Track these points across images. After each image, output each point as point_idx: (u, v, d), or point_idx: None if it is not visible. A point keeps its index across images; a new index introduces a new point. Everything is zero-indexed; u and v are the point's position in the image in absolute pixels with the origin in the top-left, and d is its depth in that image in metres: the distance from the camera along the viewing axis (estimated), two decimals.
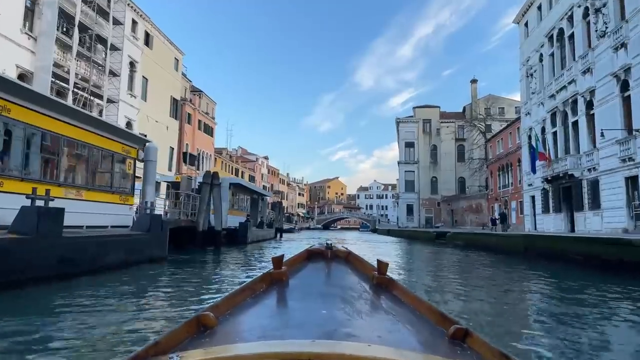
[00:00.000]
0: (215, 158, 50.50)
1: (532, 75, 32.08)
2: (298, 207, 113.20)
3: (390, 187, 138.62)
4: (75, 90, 24.19)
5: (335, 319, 1.42)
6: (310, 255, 2.08)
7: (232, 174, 62.11)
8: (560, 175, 25.55)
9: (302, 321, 1.42)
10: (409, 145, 60.14)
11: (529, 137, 32.33)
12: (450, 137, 59.21)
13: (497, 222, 27.17)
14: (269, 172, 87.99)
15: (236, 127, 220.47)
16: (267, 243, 26.69)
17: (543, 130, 29.62)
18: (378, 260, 1.90)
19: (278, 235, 35.33)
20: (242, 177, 65.50)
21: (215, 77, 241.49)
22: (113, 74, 27.96)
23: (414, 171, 59.64)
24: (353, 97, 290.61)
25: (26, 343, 4.60)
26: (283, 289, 1.77)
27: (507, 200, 37.64)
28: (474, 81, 59.83)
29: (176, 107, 38.24)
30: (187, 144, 41.59)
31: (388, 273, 1.89)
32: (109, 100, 27.39)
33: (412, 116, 61.44)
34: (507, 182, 38.14)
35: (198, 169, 40.07)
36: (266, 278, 1.84)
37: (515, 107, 58.74)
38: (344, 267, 1.99)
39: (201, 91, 60.64)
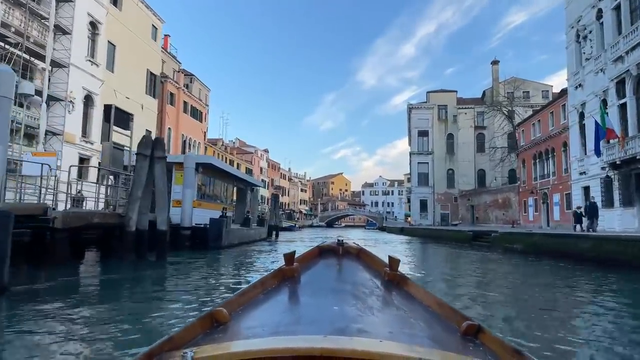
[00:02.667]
0: (206, 147, 44.70)
1: (585, 38, 26.01)
2: (300, 204, 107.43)
3: (396, 183, 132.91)
4: (1, 44, 18.47)
5: (347, 315, 1.42)
6: (322, 252, 2.06)
7: None
8: (638, 158, 19.60)
9: (314, 317, 1.42)
10: (423, 134, 54.07)
11: (581, 115, 26.33)
12: (468, 124, 53.10)
13: (584, 217, 19.86)
14: (269, 166, 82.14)
15: (237, 127, 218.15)
16: (254, 246, 20.76)
17: (604, 103, 23.58)
18: (389, 257, 1.89)
19: (273, 234, 29.36)
20: (237, 169, 59.78)
21: (217, 77, 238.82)
22: (62, 31, 22.17)
23: (427, 163, 53.62)
24: (355, 96, 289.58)
25: None
26: (295, 285, 1.77)
27: (546, 193, 31.64)
28: (495, 62, 53.63)
29: (154, 84, 32.42)
30: (169, 127, 35.85)
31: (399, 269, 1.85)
32: (56, 64, 21.61)
33: (425, 102, 55.33)
34: (546, 172, 32.12)
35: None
36: (278, 274, 1.84)
37: (542, 91, 52.83)
38: (356, 263, 1.98)
39: (193, 75, 55.21)
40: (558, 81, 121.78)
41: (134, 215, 10.46)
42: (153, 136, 32.09)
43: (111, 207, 11.63)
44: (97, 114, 25.35)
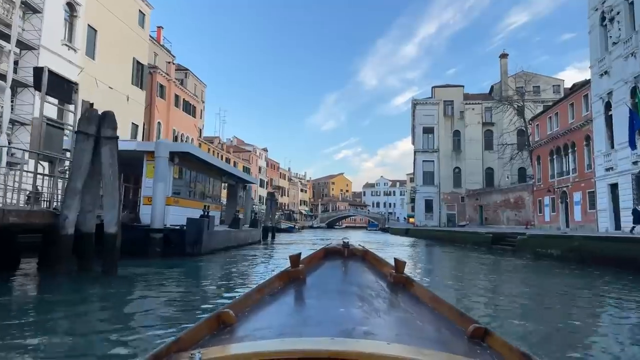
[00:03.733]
0: (200, 144, 42.33)
1: (611, 20, 23.64)
2: (300, 205, 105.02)
3: (398, 184, 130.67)
4: None
5: (353, 317, 1.41)
6: (327, 254, 2.06)
7: None
8: None
9: (320, 319, 1.41)
10: (428, 130, 51.64)
11: (607, 105, 23.95)
12: (476, 120, 50.68)
13: None
14: (268, 165, 79.77)
15: (238, 127, 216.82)
16: (245, 251, 18.06)
17: (634, 90, 21.21)
18: (395, 259, 1.87)
19: (269, 236, 26.82)
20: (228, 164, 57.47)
21: (218, 77, 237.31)
22: (32, 9, 19.87)
23: (433, 161, 51.19)
24: (356, 96, 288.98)
25: None
26: (300, 287, 1.76)
27: (565, 191, 29.24)
28: (503, 56, 51.23)
29: (142, 74, 30.09)
30: (159, 121, 33.53)
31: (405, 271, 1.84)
32: (24, 46, 19.31)
33: (430, 97, 52.93)
34: (564, 169, 29.72)
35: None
36: (284, 276, 1.84)
37: (554, 86, 50.49)
38: (361, 265, 1.97)
39: (188, 70, 53.07)
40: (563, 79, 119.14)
41: (71, 213, 7.92)
42: (141, 130, 29.86)
43: (45, 202, 9.14)
44: (77, 106, 23.08)
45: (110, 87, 26.19)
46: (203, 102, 58.32)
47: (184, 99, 38.21)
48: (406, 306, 1.62)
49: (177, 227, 13.38)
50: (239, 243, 19.08)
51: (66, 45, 22.59)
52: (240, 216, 18.77)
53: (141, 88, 30.01)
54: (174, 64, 39.31)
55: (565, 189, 29.19)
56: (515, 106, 43.56)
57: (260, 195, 67.28)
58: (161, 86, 33.82)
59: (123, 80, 27.85)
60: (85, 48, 24.29)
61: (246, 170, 61.52)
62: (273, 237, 27.90)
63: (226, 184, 22.46)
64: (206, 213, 14.62)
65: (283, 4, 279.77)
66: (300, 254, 1.88)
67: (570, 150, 28.70)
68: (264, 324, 1.42)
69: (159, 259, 12.34)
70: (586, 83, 27.16)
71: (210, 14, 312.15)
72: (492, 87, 52.60)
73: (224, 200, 21.61)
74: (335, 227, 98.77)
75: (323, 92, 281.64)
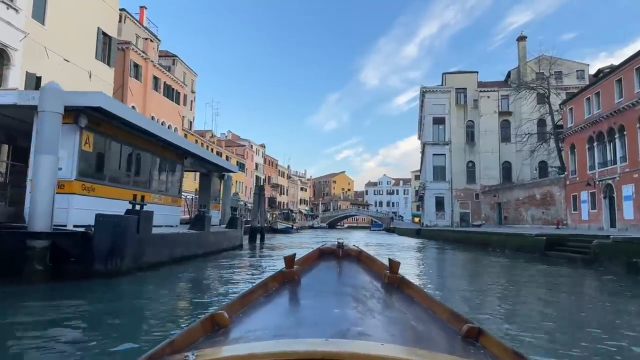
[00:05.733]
0: (186, 134, 37.74)
1: None
2: (300, 204, 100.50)
3: (401, 182, 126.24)
4: None
5: (348, 317, 1.40)
6: (322, 254, 2.05)
7: None
8: None
9: (315, 320, 1.41)
10: (438, 121, 47.01)
11: None
12: (491, 109, 46.03)
13: None
14: (265, 162, 75.23)
15: (238, 126, 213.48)
16: (213, 263, 12.80)
17: None
18: (390, 259, 1.88)
19: (257, 239, 21.85)
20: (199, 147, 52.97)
21: (220, 78, 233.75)
22: None
23: (444, 154, 46.58)
24: (358, 96, 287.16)
25: None
26: (295, 288, 1.76)
27: (610, 184, 24.66)
28: (521, 38, 46.62)
29: (109, 48, 25.57)
30: (132, 105, 28.99)
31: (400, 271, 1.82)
32: None
33: (441, 85, 48.31)
34: (609, 158, 25.14)
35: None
36: (278, 277, 1.83)
37: (577, 71, 45.89)
38: (356, 265, 1.98)
39: (176, 56, 48.74)
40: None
41: None
42: None
43: None
44: (16, 77, 18.66)
45: (65, 60, 21.71)
46: (193, 92, 53.87)
47: (165, 83, 33.68)
48: (400, 306, 1.62)
49: (81, 230, 8.37)
50: (208, 250, 13.89)
51: (4, 2, 18.12)
52: (206, 214, 13.92)
53: (108, 64, 25.51)
54: (152, 42, 34.77)
55: (610, 181, 24.60)
56: (541, 91, 38.95)
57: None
58: (136, 65, 29.31)
59: (84, 53, 23.35)
60: (31, 10, 19.82)
61: (240, 166, 56.99)
62: (262, 239, 23.02)
63: (198, 174, 17.81)
64: (139, 206, 9.43)
65: (285, 3, 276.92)
66: (295, 254, 1.85)
67: (617, 136, 24.11)
68: (258, 325, 1.40)
69: (42, 283, 7.50)
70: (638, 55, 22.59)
71: (212, 12, 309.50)
72: (508, 73, 47.96)
73: (190, 192, 16.10)
74: (337, 227, 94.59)
75: (325, 92, 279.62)
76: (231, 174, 18.03)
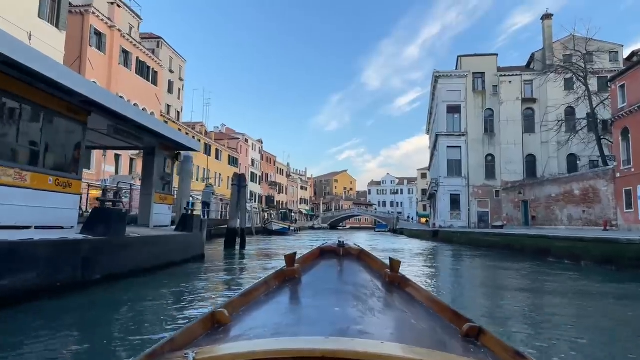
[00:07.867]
0: (166, 121, 32.78)
1: None
2: (300, 203, 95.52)
3: (406, 181, 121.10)
4: None
5: (348, 316, 1.40)
6: (323, 253, 2.05)
7: (205, 154, 44.66)
8: None
9: (315, 318, 1.41)
10: (453, 110, 41.95)
11: None
12: (514, 96, 40.92)
13: None
14: (262, 159, 70.29)
15: (239, 126, 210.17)
16: (130, 295, 7.10)
17: None
18: (390, 258, 1.87)
19: (236, 244, 16.55)
20: (218, 158, 47.96)
21: (221, 78, 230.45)
22: None
23: (460, 147, 41.53)
24: (360, 97, 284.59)
25: None
26: (296, 286, 1.76)
27: None
28: (546, 16, 41.54)
29: (58, 7, 20.67)
30: (93, 81, 24.05)
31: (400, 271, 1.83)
32: None
33: (456, 69, 43.27)
34: None
35: None
36: (279, 275, 1.82)
37: (610, 53, 40.66)
38: (356, 264, 1.97)
39: (161, 38, 43.74)
40: None
41: None
42: None
43: None
44: None
45: None
46: (182, 79, 49.00)
47: (138, 59, 28.73)
48: (401, 305, 1.62)
49: None
50: (134, 267, 8.42)
51: None
52: (164, 211, 8.90)
53: (57, 26, 20.60)
54: (120, 7, 29.85)
55: None
56: (570, 75, 33.89)
57: (258, 194, 57.73)
58: (98, 34, 24.39)
59: (21, 7, 18.47)
60: None
61: (234, 161, 52.02)
62: (243, 245, 17.53)
63: (141, 152, 12.72)
64: None
65: (287, 4, 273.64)
66: (295, 253, 1.85)
67: None
68: (258, 324, 1.40)
69: None
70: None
71: (215, 14, 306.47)
72: (532, 56, 42.88)
73: (110, 173, 10.93)
74: (339, 228, 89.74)
75: (327, 93, 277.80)
76: (190, 153, 13.00)
